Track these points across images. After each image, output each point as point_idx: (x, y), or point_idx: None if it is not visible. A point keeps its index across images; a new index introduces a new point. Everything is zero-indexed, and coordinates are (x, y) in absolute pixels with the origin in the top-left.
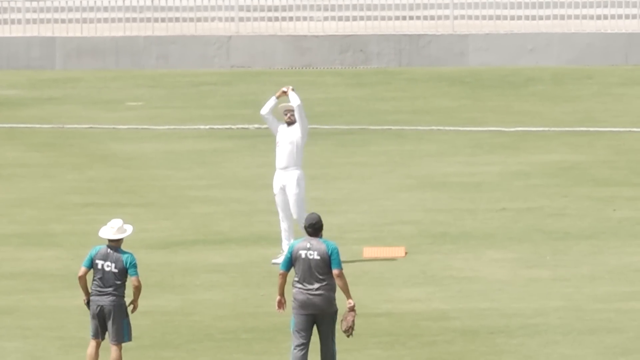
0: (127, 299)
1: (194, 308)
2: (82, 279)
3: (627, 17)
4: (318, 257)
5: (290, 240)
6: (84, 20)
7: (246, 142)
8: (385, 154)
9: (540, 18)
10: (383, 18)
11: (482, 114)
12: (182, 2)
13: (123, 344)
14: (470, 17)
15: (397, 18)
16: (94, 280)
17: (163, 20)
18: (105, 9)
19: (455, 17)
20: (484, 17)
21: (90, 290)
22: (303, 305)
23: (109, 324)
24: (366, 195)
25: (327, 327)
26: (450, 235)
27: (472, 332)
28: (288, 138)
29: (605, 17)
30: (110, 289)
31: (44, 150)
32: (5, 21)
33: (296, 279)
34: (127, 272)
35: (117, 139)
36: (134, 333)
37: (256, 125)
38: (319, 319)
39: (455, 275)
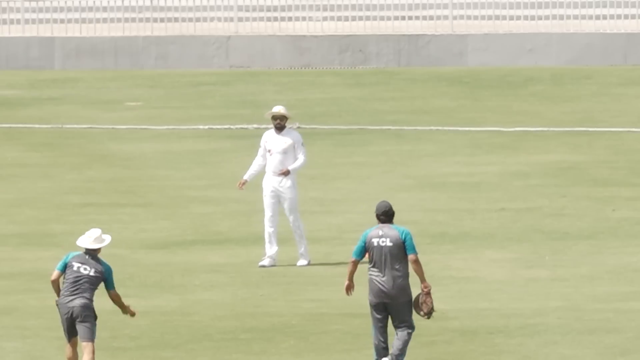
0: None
1: (193, 308)
2: (55, 283)
3: (626, 17)
4: (391, 244)
5: (273, 244)
6: (83, 21)
7: (245, 142)
8: (384, 154)
9: (539, 18)
10: (382, 18)
11: (481, 114)
12: (181, 2)
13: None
14: (469, 17)
15: (396, 18)
16: (65, 281)
17: (162, 20)
18: (104, 9)
19: (454, 17)
20: (483, 17)
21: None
22: (376, 293)
23: (78, 324)
24: (365, 195)
25: (400, 314)
26: (449, 236)
27: (471, 332)
28: (281, 145)
29: (605, 17)
30: (82, 292)
31: (43, 151)
32: (4, 21)
33: (370, 266)
34: (104, 280)
35: (116, 139)
36: (132, 333)
37: (255, 125)
38: (392, 306)
39: (454, 276)
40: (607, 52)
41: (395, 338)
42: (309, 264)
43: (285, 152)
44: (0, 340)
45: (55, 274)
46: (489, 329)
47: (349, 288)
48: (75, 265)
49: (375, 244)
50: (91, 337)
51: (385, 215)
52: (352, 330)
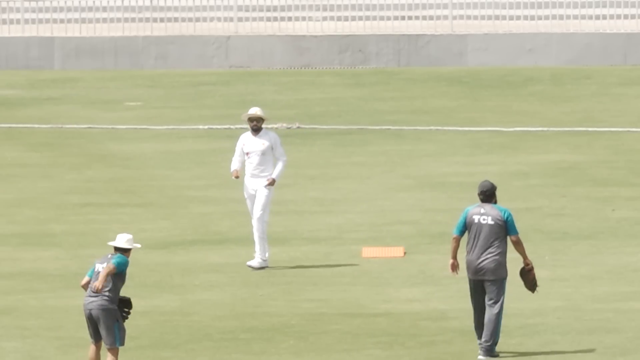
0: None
1: (193, 308)
2: (84, 287)
3: (625, 17)
4: (492, 222)
5: (265, 244)
6: (83, 21)
7: None
8: (384, 154)
9: (539, 18)
10: (382, 18)
11: (481, 114)
12: (180, 2)
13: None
14: (469, 17)
15: (396, 18)
16: (90, 284)
17: (162, 20)
18: (104, 9)
19: (454, 17)
20: (482, 17)
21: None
22: (474, 271)
23: (100, 329)
24: (365, 195)
25: (494, 293)
26: (449, 235)
27: (471, 332)
28: (258, 147)
29: (604, 17)
30: (99, 292)
31: (43, 150)
32: (4, 21)
33: (468, 244)
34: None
35: (116, 139)
36: (132, 333)
37: None
38: (488, 284)
39: (454, 275)
40: (606, 52)
41: (484, 323)
42: (261, 268)
43: (263, 153)
44: (0, 340)
45: (84, 279)
46: None
47: (454, 267)
48: (98, 266)
49: (476, 220)
50: (112, 344)
51: (484, 195)
52: (352, 330)
